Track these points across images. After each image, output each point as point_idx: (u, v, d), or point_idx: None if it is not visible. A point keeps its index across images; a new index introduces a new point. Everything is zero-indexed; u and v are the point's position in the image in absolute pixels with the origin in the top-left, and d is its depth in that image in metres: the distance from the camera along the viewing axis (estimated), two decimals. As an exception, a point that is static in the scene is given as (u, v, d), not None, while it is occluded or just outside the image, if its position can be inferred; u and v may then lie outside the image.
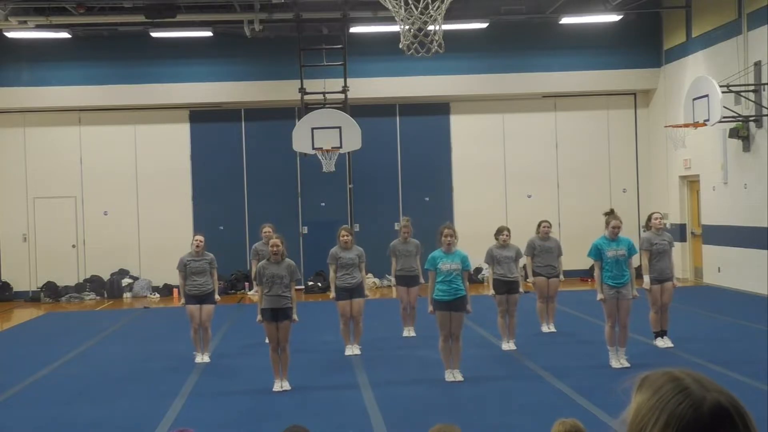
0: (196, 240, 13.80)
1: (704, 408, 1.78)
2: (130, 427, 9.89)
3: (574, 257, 23.99)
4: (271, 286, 11.43)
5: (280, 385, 11.46)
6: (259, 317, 11.60)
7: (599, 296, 12.21)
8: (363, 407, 10.36)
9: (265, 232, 15.14)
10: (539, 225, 15.61)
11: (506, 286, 13.89)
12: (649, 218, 13.79)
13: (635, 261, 13.32)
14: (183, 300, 13.68)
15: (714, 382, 1.86)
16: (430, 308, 11.61)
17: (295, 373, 11.94)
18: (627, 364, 12.06)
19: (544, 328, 15.44)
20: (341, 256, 13.85)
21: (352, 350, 13.87)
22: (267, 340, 11.87)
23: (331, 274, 13.92)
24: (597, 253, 12.26)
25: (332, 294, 13.94)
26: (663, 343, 13.53)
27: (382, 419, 9.73)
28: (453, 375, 11.68)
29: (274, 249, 11.59)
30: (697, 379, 1.86)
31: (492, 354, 13.58)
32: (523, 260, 14.72)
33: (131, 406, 10.82)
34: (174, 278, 22.95)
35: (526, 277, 15.58)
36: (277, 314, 11.46)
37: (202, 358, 13.62)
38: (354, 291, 13.84)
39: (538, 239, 15.43)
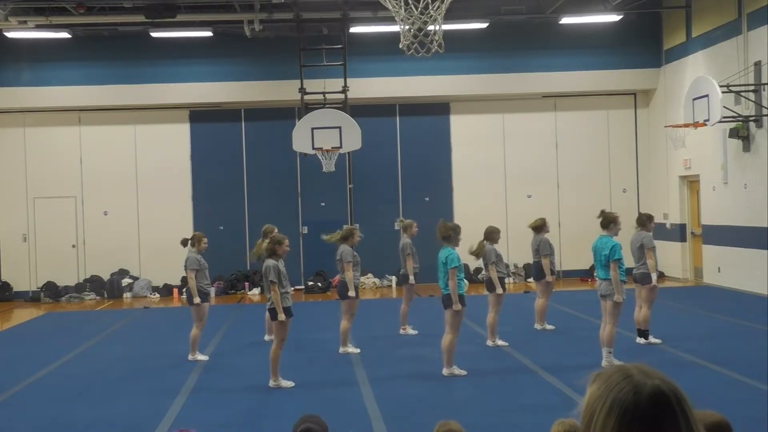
0: (206, 240, 13.83)
1: (644, 393, 1.90)
2: (130, 427, 9.87)
3: (574, 257, 24.07)
4: (286, 285, 11.56)
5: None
6: (282, 315, 11.42)
7: (621, 297, 12.01)
8: (363, 406, 10.37)
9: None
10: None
11: (503, 284, 14.10)
12: (651, 218, 14.00)
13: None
14: (198, 299, 13.46)
15: (660, 372, 1.96)
16: (459, 306, 11.57)
17: (296, 372, 11.98)
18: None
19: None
20: (356, 254, 13.90)
21: (354, 348, 13.94)
22: (268, 337, 11.85)
23: (351, 273, 13.79)
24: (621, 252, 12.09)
25: (352, 293, 13.72)
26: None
27: (381, 418, 9.73)
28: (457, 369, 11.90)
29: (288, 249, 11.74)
30: (643, 370, 1.96)
31: (489, 352, 13.59)
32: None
33: (131, 406, 10.78)
34: (174, 278, 23.14)
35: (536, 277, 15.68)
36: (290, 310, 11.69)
37: (203, 356, 13.71)
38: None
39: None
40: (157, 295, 23.31)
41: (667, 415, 1.89)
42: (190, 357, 13.70)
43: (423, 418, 9.50)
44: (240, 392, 11.37)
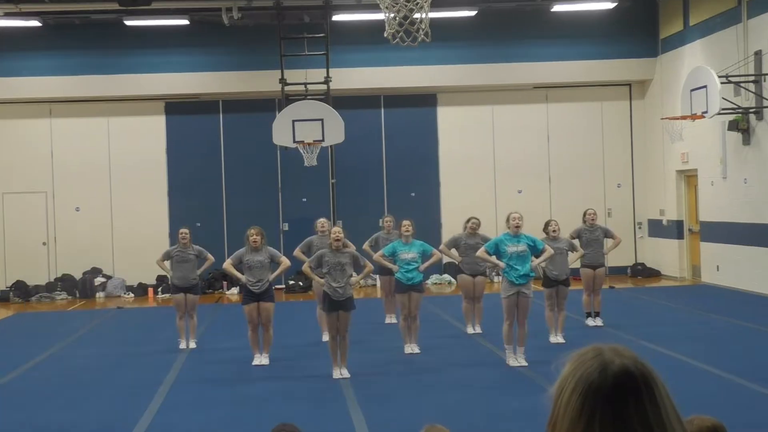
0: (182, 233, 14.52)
1: (610, 371, 1.93)
2: (102, 431, 9.82)
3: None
4: (334, 275, 11.65)
5: (340, 372, 11.71)
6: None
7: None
8: (346, 409, 10.19)
9: (323, 225, 14.85)
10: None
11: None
12: (585, 213, 15.30)
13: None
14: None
15: (635, 354, 1.98)
16: None
17: (279, 373, 12.02)
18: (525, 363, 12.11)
19: (470, 330, 14.99)
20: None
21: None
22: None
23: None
24: (494, 248, 12.47)
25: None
26: (593, 322, 15.16)
27: (364, 421, 9.55)
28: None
29: (337, 236, 11.85)
30: (616, 349, 1.99)
31: (483, 353, 13.38)
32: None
33: (104, 410, 10.67)
34: (149, 277, 22.99)
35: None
36: (337, 305, 11.71)
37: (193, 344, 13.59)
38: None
39: (465, 235, 15.10)
40: (132, 295, 23.03)
41: (631, 395, 1.91)
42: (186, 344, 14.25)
43: (410, 421, 9.11)
44: (217, 395, 11.23)
